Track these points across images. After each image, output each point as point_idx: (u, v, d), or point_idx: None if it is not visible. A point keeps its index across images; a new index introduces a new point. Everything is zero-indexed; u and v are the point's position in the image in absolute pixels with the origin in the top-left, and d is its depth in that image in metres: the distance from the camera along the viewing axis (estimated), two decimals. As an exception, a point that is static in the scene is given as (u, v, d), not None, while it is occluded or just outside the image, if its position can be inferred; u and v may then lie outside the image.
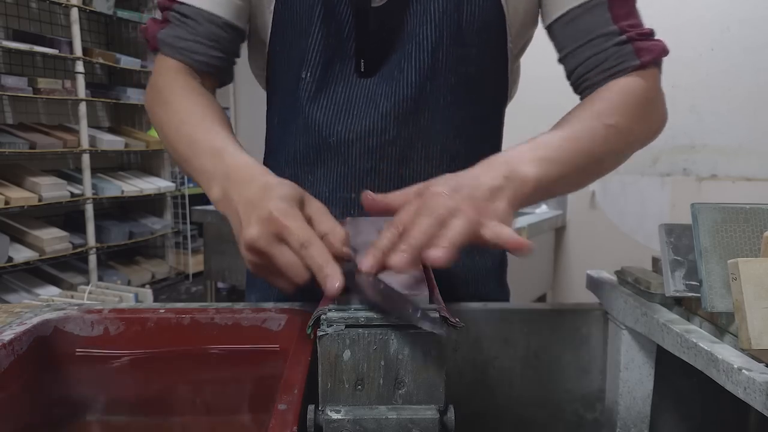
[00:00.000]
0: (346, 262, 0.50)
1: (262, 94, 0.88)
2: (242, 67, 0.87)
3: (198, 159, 0.64)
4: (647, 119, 0.73)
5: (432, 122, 0.76)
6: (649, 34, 0.72)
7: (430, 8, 0.72)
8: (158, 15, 0.78)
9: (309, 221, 0.52)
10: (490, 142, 0.85)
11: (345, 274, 0.48)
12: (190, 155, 0.66)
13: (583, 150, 0.65)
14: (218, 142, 0.64)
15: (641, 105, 0.71)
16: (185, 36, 0.74)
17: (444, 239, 0.48)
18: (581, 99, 0.76)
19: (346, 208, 0.79)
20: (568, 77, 0.76)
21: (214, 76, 0.79)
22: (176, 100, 0.72)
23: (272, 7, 0.76)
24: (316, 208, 0.55)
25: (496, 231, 0.51)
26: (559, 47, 0.76)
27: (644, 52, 0.71)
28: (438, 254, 0.47)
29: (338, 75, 0.76)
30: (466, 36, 0.74)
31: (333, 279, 0.47)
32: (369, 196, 0.56)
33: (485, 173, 0.56)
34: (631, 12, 0.72)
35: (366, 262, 0.49)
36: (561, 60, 0.76)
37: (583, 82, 0.74)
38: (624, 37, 0.70)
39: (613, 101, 0.69)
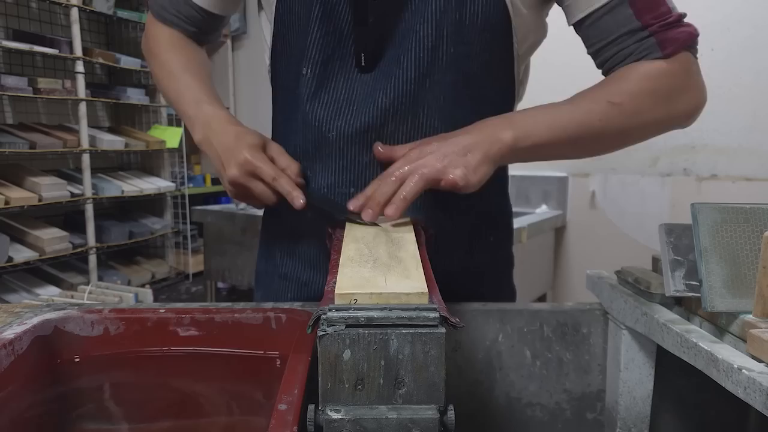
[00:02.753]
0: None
1: (262, 92, 0.90)
2: (242, 66, 0.89)
3: (183, 106, 0.80)
4: (668, 104, 0.73)
5: (430, 119, 0.76)
6: (676, 22, 0.71)
7: (430, 5, 0.72)
8: None
9: (272, 160, 0.72)
10: None
11: (306, 195, 0.69)
12: (176, 102, 0.82)
13: (576, 120, 0.70)
14: (197, 93, 0.80)
15: (660, 90, 0.71)
16: (168, 8, 0.86)
17: (397, 197, 0.64)
18: None
19: (345, 203, 0.79)
20: (599, 67, 0.78)
21: (194, 38, 0.89)
22: (163, 54, 0.86)
23: (273, 8, 0.78)
24: (276, 149, 0.74)
25: (451, 174, 0.64)
26: (586, 44, 0.76)
27: (668, 42, 0.70)
28: (389, 211, 0.64)
29: (338, 71, 0.77)
30: (468, 34, 0.73)
31: (298, 198, 0.68)
32: (379, 147, 0.73)
33: (464, 132, 0.68)
34: (655, 3, 0.71)
35: (353, 204, 0.68)
36: (590, 54, 0.77)
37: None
38: (646, 32, 0.70)
39: (625, 82, 0.71)
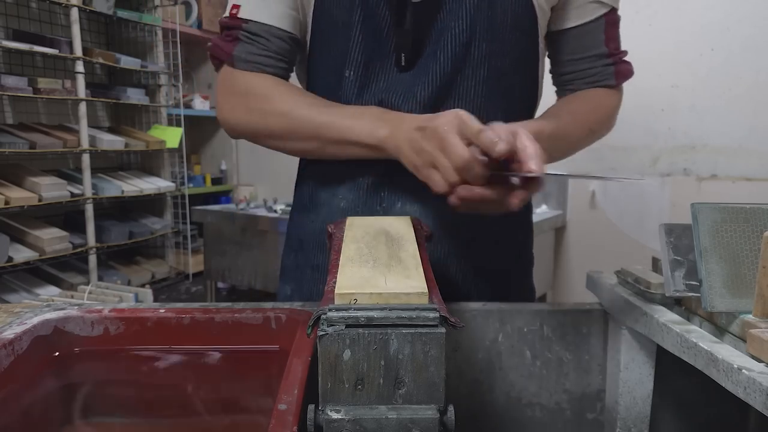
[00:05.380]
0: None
1: None
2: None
3: (344, 120, 0.75)
4: (605, 128, 0.88)
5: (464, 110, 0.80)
6: (625, 56, 0.87)
7: (464, 5, 0.77)
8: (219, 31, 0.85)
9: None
10: None
11: None
12: (332, 121, 0.75)
13: (569, 146, 0.82)
14: (355, 108, 0.79)
15: (608, 116, 0.87)
16: (258, 52, 0.81)
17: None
18: (558, 93, 0.91)
19: (384, 196, 0.83)
20: (554, 76, 0.90)
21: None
22: (282, 93, 0.80)
23: (311, 12, 0.81)
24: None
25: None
26: (557, 51, 0.87)
27: (620, 75, 0.86)
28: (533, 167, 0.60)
29: (379, 71, 0.81)
30: (498, 31, 0.78)
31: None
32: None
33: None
34: (617, 34, 0.85)
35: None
36: (554, 62, 0.88)
37: (567, 85, 0.88)
38: (611, 60, 0.85)
39: (600, 109, 0.85)
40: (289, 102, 0.79)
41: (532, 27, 0.80)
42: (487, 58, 0.79)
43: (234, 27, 0.81)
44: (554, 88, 0.93)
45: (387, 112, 0.74)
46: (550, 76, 0.92)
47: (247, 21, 0.80)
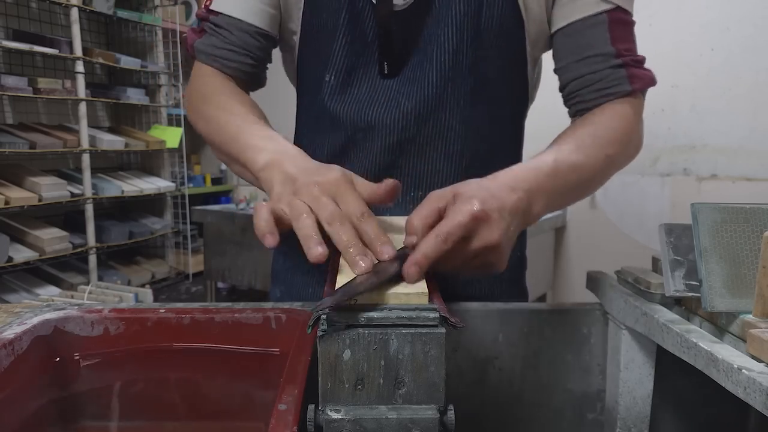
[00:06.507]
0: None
1: (274, 96, 0.90)
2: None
3: (246, 139, 0.68)
4: (630, 148, 0.77)
5: (451, 121, 0.78)
6: (642, 62, 0.75)
7: (451, 12, 0.74)
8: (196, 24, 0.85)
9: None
10: (511, 144, 0.87)
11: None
12: (236, 136, 0.70)
13: (584, 178, 0.70)
14: (269, 131, 0.70)
15: (630, 135, 0.75)
16: (219, 45, 0.79)
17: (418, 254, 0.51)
18: (570, 113, 0.80)
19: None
20: (561, 89, 0.79)
21: (246, 81, 0.83)
22: (219, 98, 0.77)
23: (300, 14, 0.80)
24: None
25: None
26: (556, 58, 0.79)
27: (636, 79, 0.74)
28: (408, 270, 0.50)
29: (362, 77, 0.79)
30: (485, 39, 0.76)
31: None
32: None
33: (508, 195, 0.58)
34: (629, 36, 0.75)
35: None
36: (557, 71, 0.79)
37: (574, 98, 0.78)
38: (620, 60, 0.73)
39: (614, 130, 0.73)
40: (217, 107, 0.76)
41: (519, 31, 0.77)
42: (475, 66, 0.76)
43: (204, 19, 0.81)
44: (552, 102, 0.88)
45: (290, 148, 0.65)
46: (543, 82, 0.90)
47: (216, 13, 0.79)
